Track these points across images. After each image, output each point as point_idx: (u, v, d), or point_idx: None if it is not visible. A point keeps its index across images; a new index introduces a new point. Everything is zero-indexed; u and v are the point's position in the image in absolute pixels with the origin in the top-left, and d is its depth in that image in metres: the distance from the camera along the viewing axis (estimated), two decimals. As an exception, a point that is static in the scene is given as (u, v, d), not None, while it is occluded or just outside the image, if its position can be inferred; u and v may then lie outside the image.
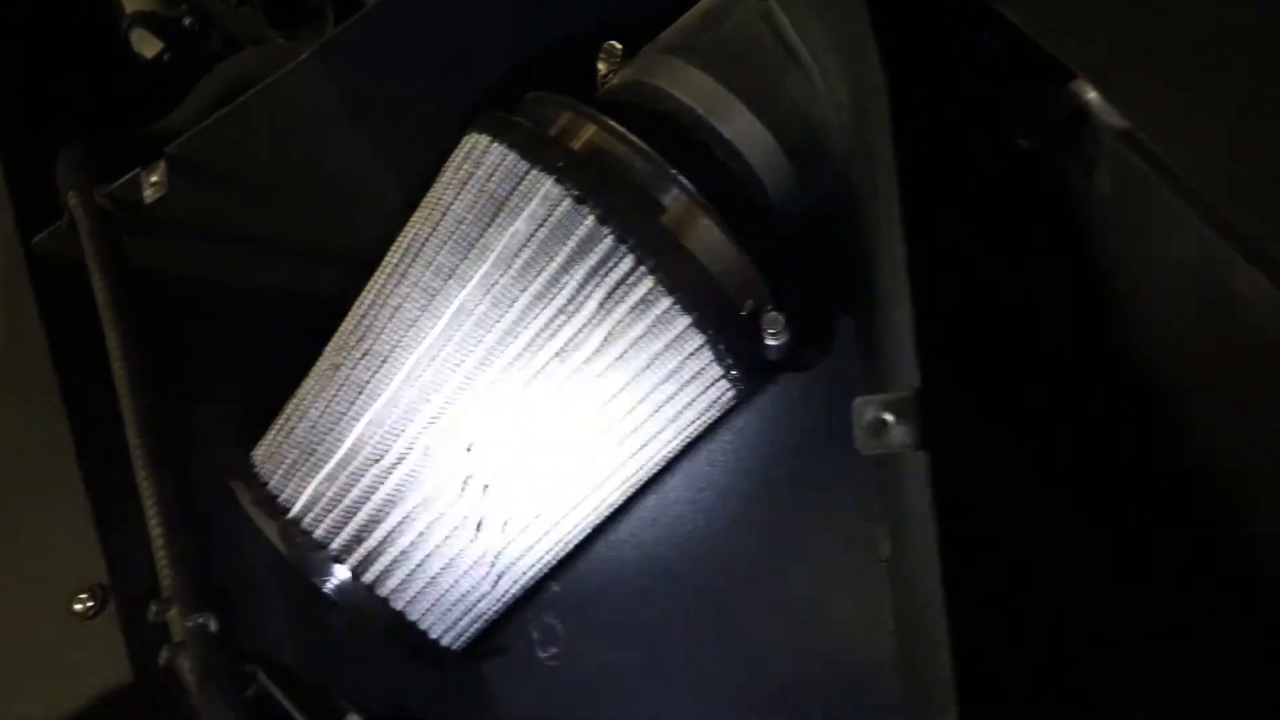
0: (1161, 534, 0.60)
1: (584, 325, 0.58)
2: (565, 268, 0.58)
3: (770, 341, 0.61)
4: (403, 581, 0.63)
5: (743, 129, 0.64)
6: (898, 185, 0.49)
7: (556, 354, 0.59)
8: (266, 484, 0.66)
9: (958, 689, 0.46)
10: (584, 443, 0.61)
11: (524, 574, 0.66)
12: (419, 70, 0.71)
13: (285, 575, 0.78)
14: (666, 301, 0.58)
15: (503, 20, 0.73)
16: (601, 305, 0.58)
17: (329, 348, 0.66)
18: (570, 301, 0.58)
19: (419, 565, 0.63)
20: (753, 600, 0.74)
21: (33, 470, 0.74)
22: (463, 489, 0.61)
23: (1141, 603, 0.61)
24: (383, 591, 0.63)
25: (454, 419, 0.60)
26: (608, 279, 0.57)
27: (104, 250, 0.72)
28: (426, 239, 0.63)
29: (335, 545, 0.62)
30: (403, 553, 0.62)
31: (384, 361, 0.62)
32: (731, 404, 0.65)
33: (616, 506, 0.67)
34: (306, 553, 0.62)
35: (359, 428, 0.62)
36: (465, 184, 0.63)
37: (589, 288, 0.58)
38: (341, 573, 0.62)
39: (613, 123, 0.60)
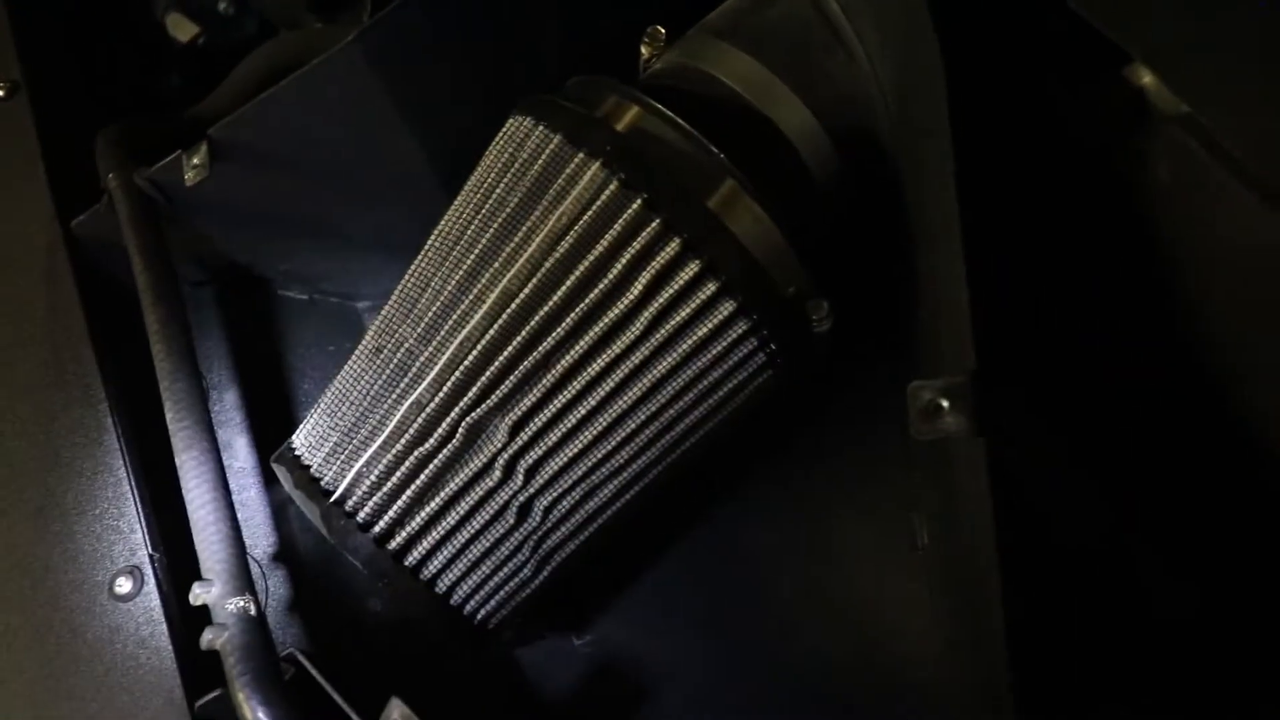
0: (1220, 529, 0.59)
1: (630, 308, 0.58)
2: (613, 251, 0.58)
3: (816, 329, 0.61)
4: (444, 565, 0.63)
5: (788, 113, 0.63)
6: (953, 167, 0.49)
7: (602, 337, 0.58)
8: (309, 467, 0.66)
9: (1011, 675, 0.46)
10: (628, 428, 0.61)
11: (564, 560, 0.66)
12: (460, 55, 0.71)
13: (328, 557, 0.79)
14: (713, 286, 0.57)
15: (544, 3, 0.73)
16: (648, 288, 0.57)
17: (371, 330, 0.66)
18: (617, 285, 0.58)
19: (461, 549, 0.62)
20: (785, 589, 0.74)
21: (73, 453, 0.74)
22: (506, 473, 0.61)
23: (1197, 597, 0.61)
24: (425, 575, 0.63)
25: (497, 402, 0.60)
26: (655, 262, 0.57)
27: (144, 233, 0.72)
28: (470, 222, 0.63)
29: (378, 529, 0.62)
30: (445, 536, 0.62)
31: (426, 345, 0.62)
32: (774, 390, 0.65)
33: (659, 495, 0.67)
34: (349, 535, 0.62)
35: (402, 411, 0.62)
36: (509, 167, 0.62)
37: (636, 271, 0.57)
38: (383, 556, 0.62)
39: (659, 106, 0.60)
